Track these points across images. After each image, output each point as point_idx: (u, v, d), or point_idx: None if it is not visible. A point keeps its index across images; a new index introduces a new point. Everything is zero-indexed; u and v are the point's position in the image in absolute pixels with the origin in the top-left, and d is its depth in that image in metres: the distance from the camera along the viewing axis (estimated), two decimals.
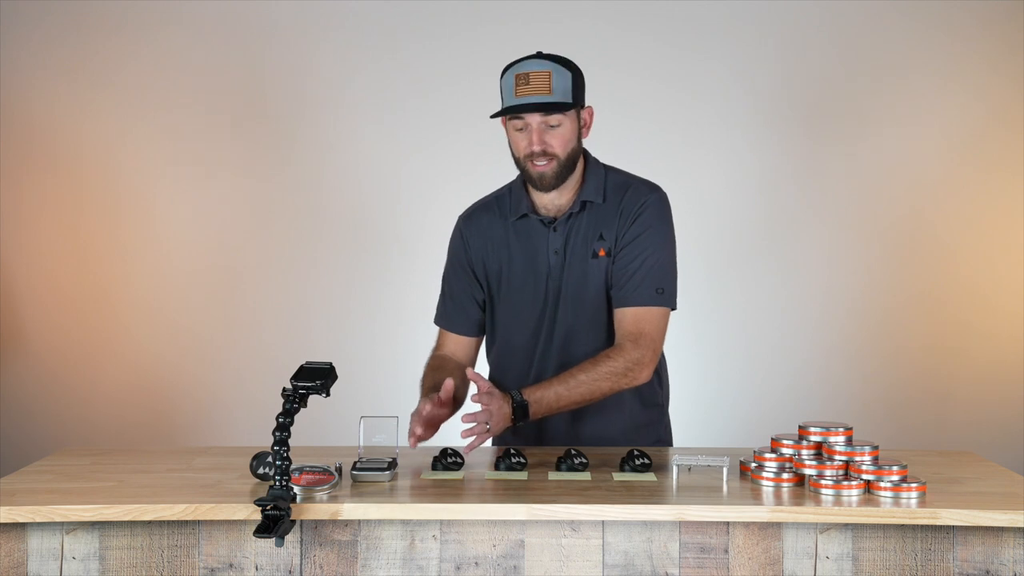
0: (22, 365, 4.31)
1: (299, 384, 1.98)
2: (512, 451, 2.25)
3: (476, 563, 1.99)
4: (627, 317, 2.49)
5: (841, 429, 2.14)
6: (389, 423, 2.23)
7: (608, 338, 2.54)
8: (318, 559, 1.99)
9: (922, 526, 1.98)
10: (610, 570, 1.99)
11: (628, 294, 2.49)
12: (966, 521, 1.96)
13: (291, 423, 1.93)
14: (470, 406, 2.34)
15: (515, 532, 1.99)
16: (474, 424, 2.26)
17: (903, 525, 1.98)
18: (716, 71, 4.29)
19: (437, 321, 2.73)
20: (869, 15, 4.29)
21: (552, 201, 2.55)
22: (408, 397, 4.21)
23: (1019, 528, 1.97)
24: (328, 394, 2.02)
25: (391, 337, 4.32)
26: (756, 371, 4.32)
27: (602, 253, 2.52)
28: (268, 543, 1.95)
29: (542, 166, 2.46)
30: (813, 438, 2.14)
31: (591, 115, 2.54)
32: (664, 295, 2.50)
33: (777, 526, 1.99)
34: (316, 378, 2.00)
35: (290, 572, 1.99)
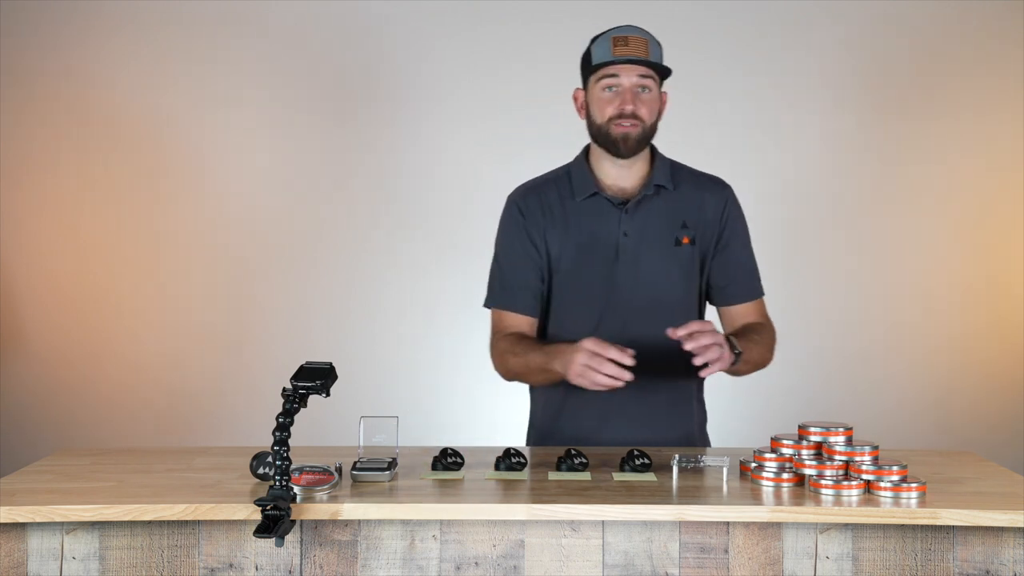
0: (22, 365, 4.31)
1: (299, 384, 1.98)
2: (512, 451, 2.25)
3: (476, 563, 1.99)
4: (749, 310, 2.60)
5: (841, 429, 2.13)
6: (389, 423, 2.22)
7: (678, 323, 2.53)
8: (318, 559, 1.99)
9: (922, 526, 1.98)
10: (610, 570, 1.99)
11: (743, 290, 2.60)
12: (966, 521, 1.95)
13: (291, 423, 1.93)
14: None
15: (515, 532, 1.99)
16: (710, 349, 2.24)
17: (903, 525, 1.98)
18: (716, 71, 4.29)
19: (495, 303, 2.60)
20: (870, 15, 4.29)
21: (616, 182, 2.53)
22: (408, 397, 4.24)
23: (1019, 528, 1.97)
24: (328, 394, 2.01)
25: (391, 337, 4.32)
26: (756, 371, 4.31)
27: (686, 241, 2.52)
28: (268, 543, 1.95)
29: (628, 127, 2.43)
30: (813, 438, 2.14)
31: (665, 101, 2.53)
32: (761, 283, 2.62)
33: (777, 526, 1.99)
34: (316, 378, 2.00)
35: (290, 572, 1.99)
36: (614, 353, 2.21)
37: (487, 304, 2.62)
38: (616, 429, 2.50)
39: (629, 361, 2.21)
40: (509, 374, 2.56)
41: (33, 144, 4.29)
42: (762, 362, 2.50)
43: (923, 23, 4.30)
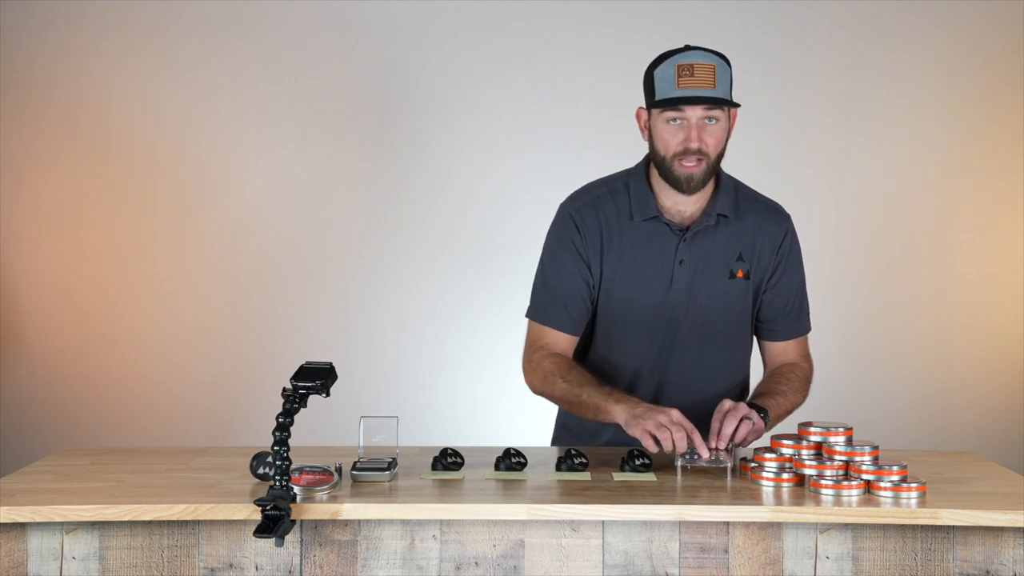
0: (22, 365, 4.30)
1: (299, 384, 1.98)
2: (512, 451, 2.25)
3: (476, 563, 1.99)
4: (788, 348, 2.56)
5: (841, 429, 2.14)
6: (389, 423, 2.23)
7: (728, 358, 2.53)
8: (318, 559, 1.99)
9: (922, 526, 1.98)
10: (610, 570, 1.99)
11: (786, 329, 2.54)
12: (966, 521, 1.96)
13: (291, 423, 1.93)
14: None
15: (515, 532, 1.99)
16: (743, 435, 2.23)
17: (903, 525, 1.98)
18: None
19: (539, 318, 2.49)
20: (870, 15, 4.29)
21: (676, 206, 2.42)
22: (408, 397, 4.24)
23: (1019, 528, 1.97)
24: (328, 394, 2.02)
25: (391, 337, 4.32)
26: (757, 371, 4.31)
27: (740, 274, 2.45)
28: (268, 543, 1.95)
29: (691, 167, 2.32)
30: (813, 438, 2.14)
31: (735, 118, 2.46)
32: (808, 319, 2.58)
33: (777, 526, 1.99)
34: (316, 378, 2.00)
35: (290, 572, 1.99)
36: (698, 438, 2.17)
37: (530, 315, 2.51)
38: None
39: (704, 453, 2.17)
40: (546, 394, 2.46)
41: (33, 144, 4.28)
42: (792, 409, 2.45)
43: (916, 23, 4.31)
